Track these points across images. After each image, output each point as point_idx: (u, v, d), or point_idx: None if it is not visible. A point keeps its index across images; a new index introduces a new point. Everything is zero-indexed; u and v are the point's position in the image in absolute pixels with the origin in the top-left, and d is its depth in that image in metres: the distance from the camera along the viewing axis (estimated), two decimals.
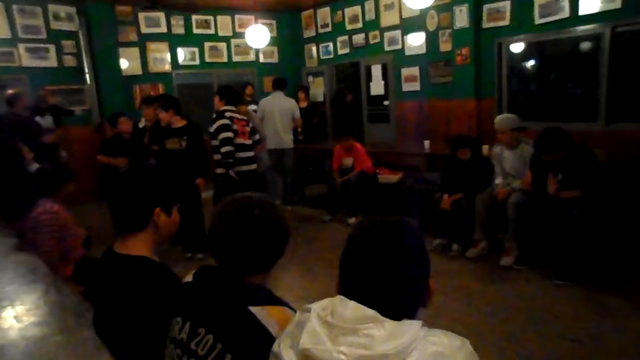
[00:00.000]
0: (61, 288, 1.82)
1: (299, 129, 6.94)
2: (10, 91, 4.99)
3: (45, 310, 1.62)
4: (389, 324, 0.82)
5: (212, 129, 4.34)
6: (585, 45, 5.07)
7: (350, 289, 0.91)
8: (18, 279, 1.96)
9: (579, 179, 3.44)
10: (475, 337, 2.75)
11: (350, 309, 0.85)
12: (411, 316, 0.90)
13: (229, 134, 4.29)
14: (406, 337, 0.80)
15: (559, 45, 5.33)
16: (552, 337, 2.74)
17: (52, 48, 6.45)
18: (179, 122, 4.26)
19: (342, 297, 0.90)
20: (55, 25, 6.45)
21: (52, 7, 6.40)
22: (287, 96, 6.10)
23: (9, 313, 1.60)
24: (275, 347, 0.92)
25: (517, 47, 5.55)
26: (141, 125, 5.23)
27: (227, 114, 4.38)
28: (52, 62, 6.47)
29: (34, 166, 3.54)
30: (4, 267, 2.13)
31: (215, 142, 4.32)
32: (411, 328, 0.82)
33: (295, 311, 1.02)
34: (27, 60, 6.28)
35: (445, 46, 6.01)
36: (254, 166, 4.52)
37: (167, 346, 1.15)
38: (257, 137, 4.82)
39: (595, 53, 4.78)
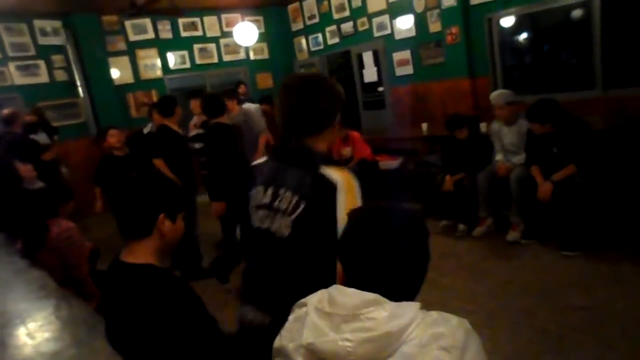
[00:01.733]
0: (72, 302, 1.83)
1: None
2: (5, 111, 4.97)
3: (57, 325, 1.64)
4: (389, 305, 0.84)
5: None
6: (577, 13, 5.01)
7: (351, 279, 0.93)
8: (29, 295, 1.98)
9: (573, 151, 3.43)
10: (488, 314, 2.78)
11: (350, 296, 0.86)
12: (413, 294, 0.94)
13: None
14: (406, 317, 0.81)
15: (550, 16, 5.27)
16: (564, 307, 2.75)
17: (42, 64, 6.43)
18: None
19: (338, 286, 0.91)
20: (43, 40, 6.42)
21: (37, 23, 6.36)
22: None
23: (22, 330, 1.62)
24: (276, 344, 0.93)
25: (507, 22, 5.50)
26: (146, 130, 5.06)
27: None
28: (43, 78, 6.45)
29: (38, 184, 3.53)
30: (15, 286, 2.15)
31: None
32: (410, 309, 0.83)
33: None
34: (19, 78, 6.27)
35: (434, 27, 5.96)
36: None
37: (252, 214, 1.38)
38: None
39: (587, 20, 4.73)
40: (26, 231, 2.71)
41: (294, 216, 1.25)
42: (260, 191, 1.36)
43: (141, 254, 1.37)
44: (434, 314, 0.84)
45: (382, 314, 0.81)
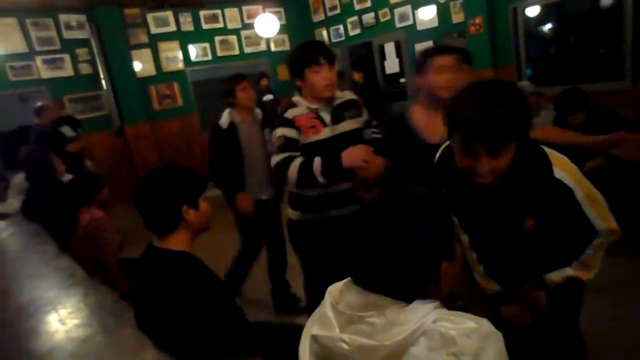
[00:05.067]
0: (99, 290, 1.87)
1: None
2: (39, 103, 5.21)
3: (86, 312, 1.68)
4: (390, 311, 0.79)
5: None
6: (606, 1, 4.86)
7: (356, 264, 0.88)
8: (58, 283, 2.03)
9: None
10: None
11: (355, 294, 0.84)
12: (423, 291, 0.83)
13: None
14: (410, 324, 0.76)
15: (578, 4, 5.13)
16: None
17: (67, 57, 6.55)
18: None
19: (349, 282, 0.88)
20: (68, 34, 6.54)
21: (62, 17, 6.48)
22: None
23: (54, 317, 1.66)
24: (308, 323, 0.93)
25: (532, 11, 5.36)
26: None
27: None
28: (68, 71, 6.58)
29: (67, 177, 3.61)
30: (45, 274, 2.20)
31: None
32: (416, 314, 0.78)
33: None
34: (45, 72, 6.40)
35: (457, 17, 5.85)
36: None
37: None
38: None
39: (618, 7, 4.58)
40: (56, 222, 2.77)
41: None
42: None
43: (173, 242, 1.41)
44: (451, 315, 0.79)
45: (381, 321, 0.79)
